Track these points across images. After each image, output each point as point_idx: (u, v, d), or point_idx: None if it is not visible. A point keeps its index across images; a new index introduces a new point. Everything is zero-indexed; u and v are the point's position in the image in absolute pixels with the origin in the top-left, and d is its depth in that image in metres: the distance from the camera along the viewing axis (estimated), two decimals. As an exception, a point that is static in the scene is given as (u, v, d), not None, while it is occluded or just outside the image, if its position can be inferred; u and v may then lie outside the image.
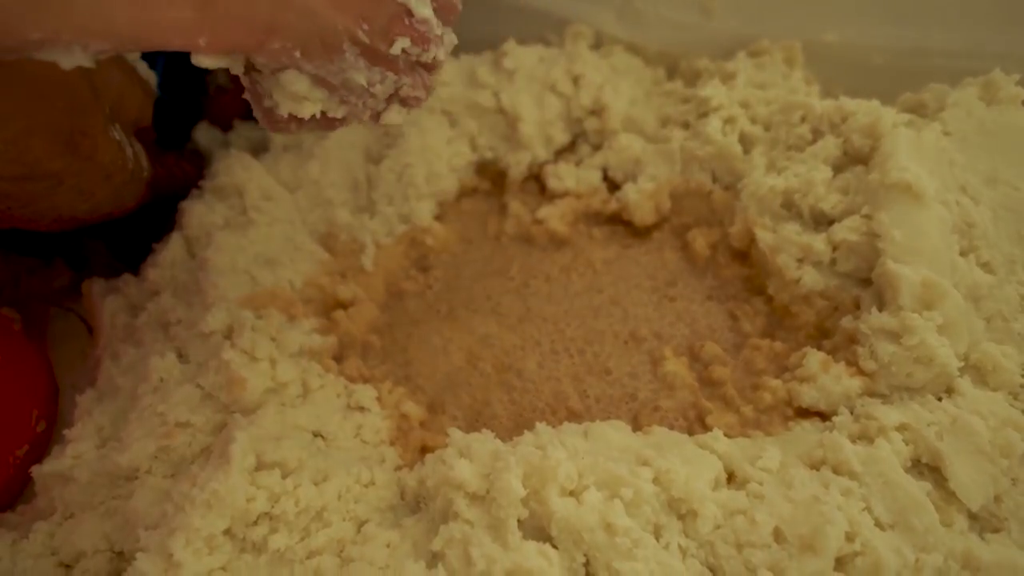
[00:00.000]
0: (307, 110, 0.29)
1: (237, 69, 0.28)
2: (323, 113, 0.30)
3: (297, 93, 0.28)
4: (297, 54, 0.27)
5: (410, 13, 0.28)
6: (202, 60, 0.26)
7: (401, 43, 0.28)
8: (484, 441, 0.33)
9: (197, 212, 0.46)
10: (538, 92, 0.51)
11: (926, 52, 0.54)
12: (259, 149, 0.59)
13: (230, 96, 0.62)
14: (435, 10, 0.31)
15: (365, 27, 0.27)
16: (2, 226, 0.39)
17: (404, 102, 0.32)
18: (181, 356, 0.39)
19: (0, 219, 0.37)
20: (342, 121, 0.31)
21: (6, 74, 0.30)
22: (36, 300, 0.57)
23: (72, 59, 0.23)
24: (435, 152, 0.50)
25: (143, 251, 0.56)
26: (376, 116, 0.32)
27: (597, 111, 0.51)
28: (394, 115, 0.32)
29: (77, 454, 0.35)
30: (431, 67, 0.32)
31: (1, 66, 0.29)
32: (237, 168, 0.48)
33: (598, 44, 0.61)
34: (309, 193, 0.48)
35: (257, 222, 0.46)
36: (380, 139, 0.51)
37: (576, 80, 0.52)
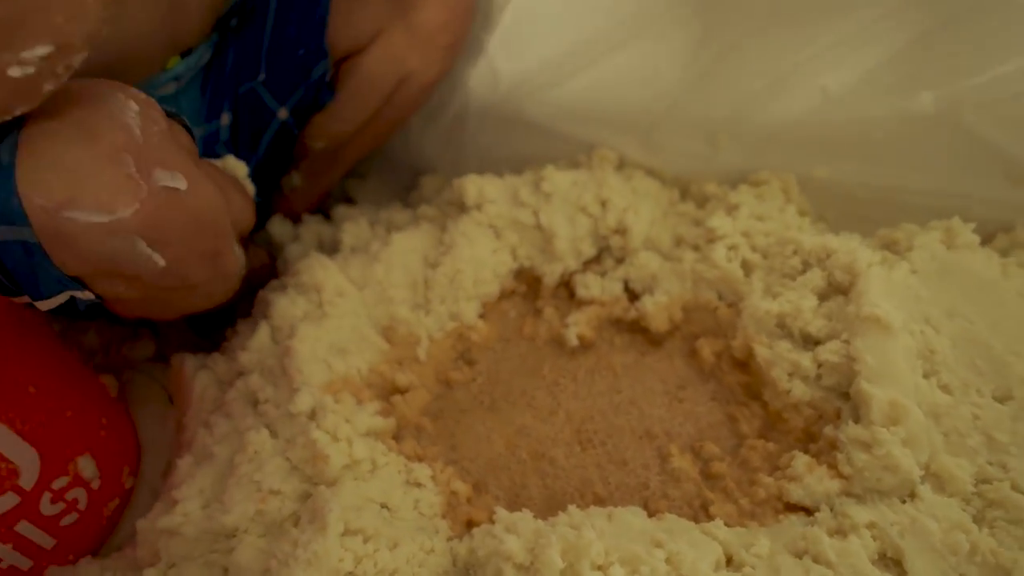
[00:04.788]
0: None
1: None
2: None
3: None
4: None
5: None
6: None
7: None
8: (527, 520, 0.40)
9: (282, 305, 0.54)
10: (571, 213, 0.61)
11: (903, 190, 0.64)
12: (325, 241, 0.68)
13: (300, 193, 0.72)
14: None
15: None
16: (133, 316, 0.47)
17: None
18: (271, 432, 0.46)
19: (135, 312, 0.46)
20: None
21: (174, 207, 0.38)
22: (123, 366, 0.66)
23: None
24: (482, 260, 0.59)
25: (216, 326, 0.65)
26: None
27: (621, 231, 0.60)
28: None
29: (185, 512, 0.42)
30: None
31: (171, 200, 0.38)
32: (316, 268, 0.56)
33: (621, 165, 0.70)
34: (375, 291, 0.57)
35: (331, 315, 0.54)
36: (436, 247, 0.60)
37: (603, 203, 0.61)
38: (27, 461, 0.45)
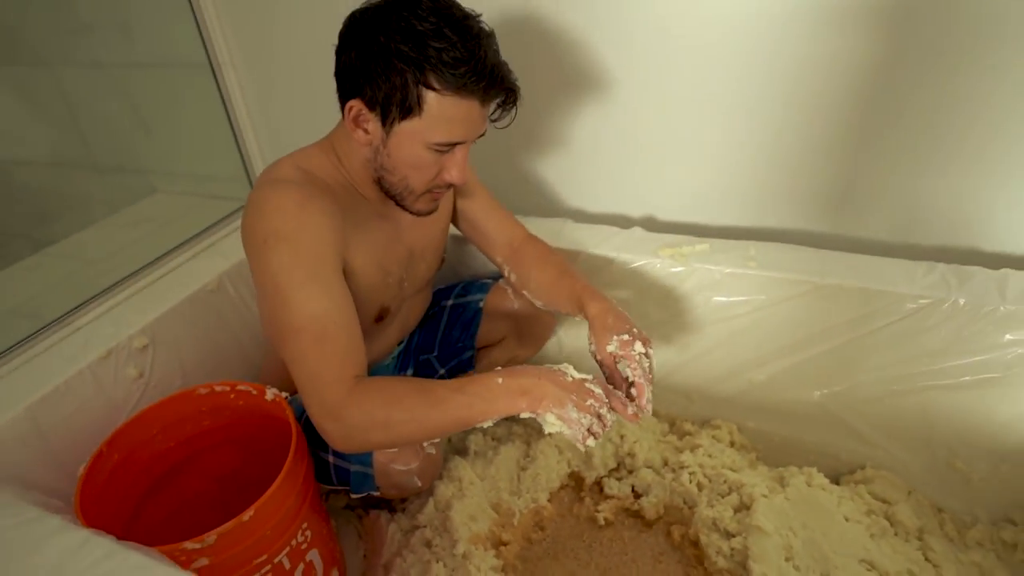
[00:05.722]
0: (552, 428, 0.68)
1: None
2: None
3: (548, 421, 0.70)
4: (550, 404, 0.70)
5: (593, 392, 0.70)
6: (524, 415, 0.76)
7: (590, 402, 0.69)
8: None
9: (440, 488, 0.98)
10: (603, 441, 1.05)
11: (800, 441, 1.07)
12: (454, 440, 1.13)
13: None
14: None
15: (575, 395, 0.70)
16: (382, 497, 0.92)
17: (594, 435, 0.70)
18: (443, 564, 0.89)
19: (385, 497, 0.90)
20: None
21: (429, 462, 0.84)
22: (333, 511, 1.09)
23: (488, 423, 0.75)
24: (551, 467, 1.03)
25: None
26: (583, 441, 0.69)
27: (632, 455, 1.04)
28: (591, 443, 0.69)
29: (403, 605, 0.85)
30: (604, 423, 0.70)
31: (429, 458, 0.84)
32: (460, 467, 1.01)
33: (634, 404, 1.16)
34: (490, 482, 1.01)
35: (468, 496, 0.98)
36: (525, 456, 1.05)
37: (622, 437, 1.06)
38: (319, 570, 0.88)
